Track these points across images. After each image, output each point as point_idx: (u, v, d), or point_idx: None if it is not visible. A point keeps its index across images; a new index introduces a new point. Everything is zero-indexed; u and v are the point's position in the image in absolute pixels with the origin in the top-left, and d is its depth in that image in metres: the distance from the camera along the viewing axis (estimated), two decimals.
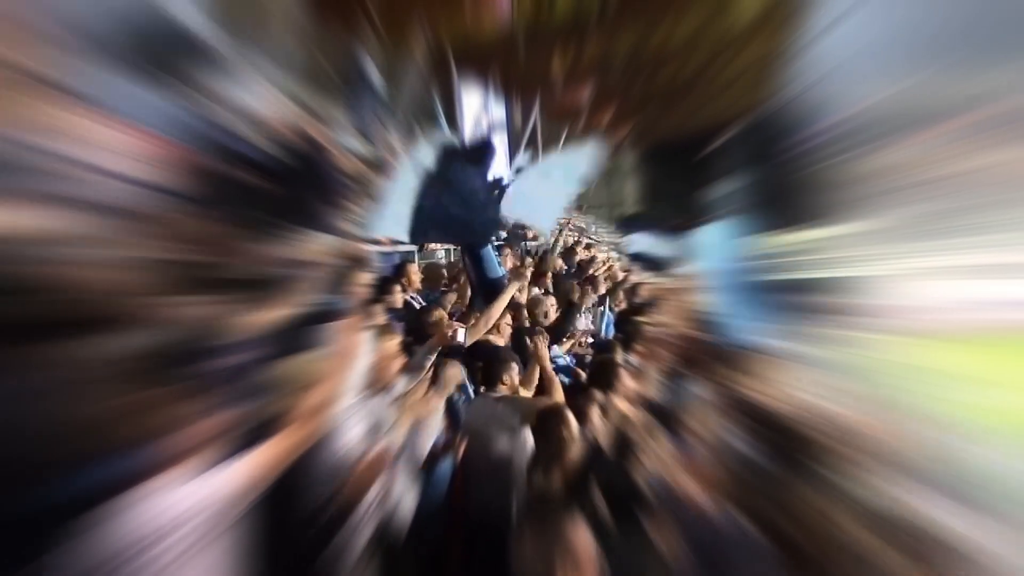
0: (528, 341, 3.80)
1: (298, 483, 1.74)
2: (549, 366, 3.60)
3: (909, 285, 1.72)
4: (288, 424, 1.62)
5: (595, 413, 3.31)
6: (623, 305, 7.03)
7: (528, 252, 7.30)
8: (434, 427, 3.19)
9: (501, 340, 4.20)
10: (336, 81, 2.23)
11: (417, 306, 4.45)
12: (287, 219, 1.74)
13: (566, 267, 7.36)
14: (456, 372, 3.33)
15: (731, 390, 2.27)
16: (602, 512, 2.30)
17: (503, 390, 3.38)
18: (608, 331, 6.16)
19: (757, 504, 1.65)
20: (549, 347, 4.14)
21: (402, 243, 5.03)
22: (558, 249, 7.62)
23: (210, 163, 1.42)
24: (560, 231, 8.17)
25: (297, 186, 1.80)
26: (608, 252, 8.29)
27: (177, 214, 1.31)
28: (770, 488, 1.65)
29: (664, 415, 2.92)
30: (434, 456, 3.09)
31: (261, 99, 1.67)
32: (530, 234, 8.07)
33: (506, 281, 4.83)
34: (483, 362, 3.63)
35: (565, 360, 4.79)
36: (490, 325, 4.13)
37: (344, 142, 2.19)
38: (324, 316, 1.88)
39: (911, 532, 1.35)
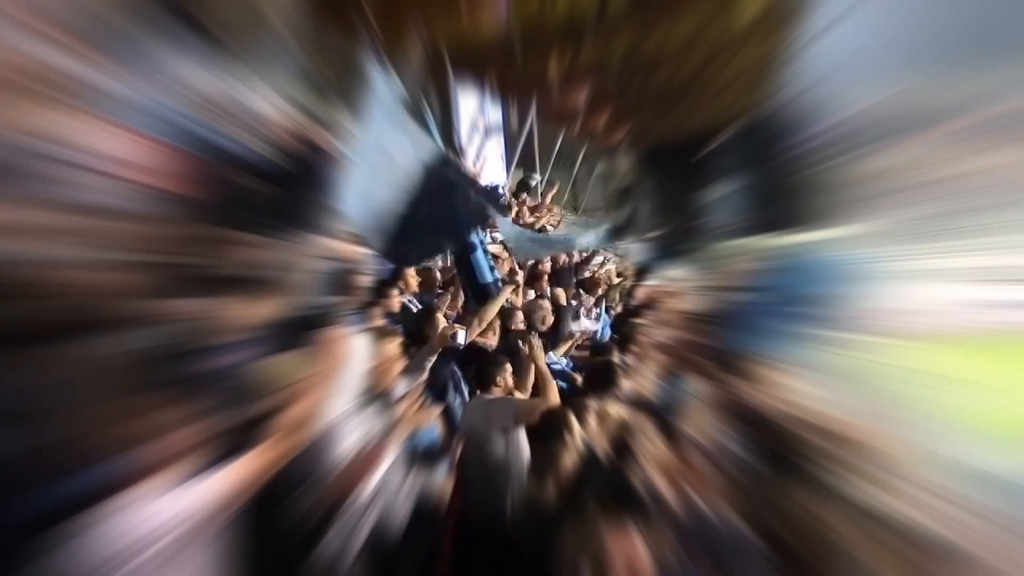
0: (521, 343, 3.79)
1: (288, 488, 1.74)
2: (544, 366, 3.60)
3: (905, 288, 1.73)
4: (274, 430, 1.61)
5: (592, 416, 3.31)
6: (620, 307, 7.03)
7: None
8: (430, 431, 3.19)
9: (492, 342, 4.20)
10: (333, 84, 2.23)
11: (414, 309, 4.45)
12: (283, 221, 1.74)
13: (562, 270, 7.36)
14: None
15: (727, 392, 2.27)
16: (599, 514, 2.30)
17: (497, 392, 3.38)
18: (604, 333, 6.16)
19: (752, 506, 1.65)
20: (545, 351, 4.14)
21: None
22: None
23: (206, 166, 1.42)
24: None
25: (294, 189, 1.80)
26: (605, 254, 8.28)
27: (172, 216, 1.30)
28: (765, 490, 1.65)
29: (661, 417, 2.92)
30: (430, 458, 3.08)
31: (258, 102, 1.66)
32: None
33: (499, 285, 4.84)
34: (476, 365, 3.63)
35: (562, 364, 4.79)
36: (483, 327, 4.14)
37: (340, 144, 2.19)
38: (315, 320, 1.87)
39: (904, 534, 1.35)
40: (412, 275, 4.80)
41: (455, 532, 3.00)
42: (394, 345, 2.95)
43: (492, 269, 4.92)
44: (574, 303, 5.65)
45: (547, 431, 2.93)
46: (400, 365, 2.97)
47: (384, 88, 2.99)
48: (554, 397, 3.34)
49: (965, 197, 1.48)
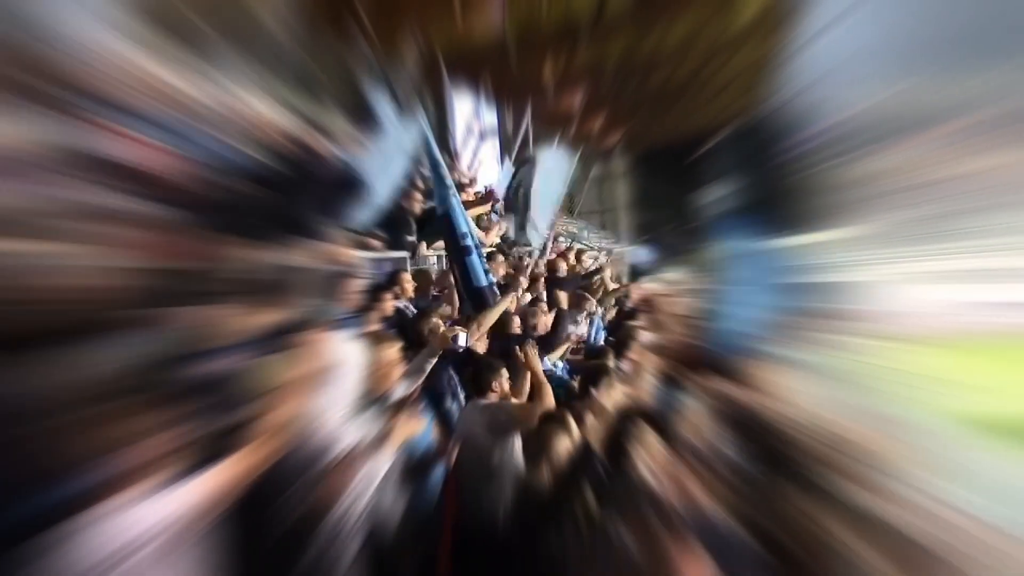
0: (518, 350, 3.78)
1: (276, 492, 1.73)
2: (540, 373, 3.59)
3: (900, 290, 1.73)
4: (258, 434, 1.60)
5: (588, 419, 3.30)
6: (615, 311, 7.02)
7: (519, 259, 7.28)
8: (426, 436, 3.18)
9: (482, 347, 4.19)
10: (330, 89, 2.22)
11: (410, 314, 4.44)
12: (279, 226, 1.73)
13: (558, 273, 7.34)
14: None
15: (722, 395, 2.27)
16: (595, 517, 2.30)
17: (493, 397, 3.37)
18: (599, 337, 6.15)
19: (749, 509, 1.64)
20: (541, 356, 4.12)
21: (393, 250, 5.03)
22: (547, 255, 7.62)
23: (203, 170, 1.41)
24: (551, 236, 8.17)
25: (290, 193, 1.80)
26: (600, 257, 8.29)
27: (168, 220, 1.30)
28: (761, 493, 1.64)
29: (657, 420, 2.92)
30: (426, 464, 3.08)
31: (254, 107, 1.66)
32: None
33: (495, 289, 4.83)
34: (472, 370, 3.62)
35: (558, 369, 4.78)
36: (483, 332, 4.13)
37: (338, 150, 2.18)
38: (304, 324, 1.86)
39: (899, 536, 1.35)
40: (408, 280, 4.78)
41: (453, 536, 2.99)
42: (390, 350, 2.94)
43: (487, 272, 4.91)
44: (575, 308, 5.62)
45: (542, 435, 2.92)
46: (397, 369, 2.96)
47: (380, 92, 2.99)
48: (549, 401, 3.32)
49: (960, 199, 1.48)
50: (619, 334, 5.45)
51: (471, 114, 9.94)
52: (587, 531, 2.24)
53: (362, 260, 3.83)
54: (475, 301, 4.69)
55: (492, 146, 10.77)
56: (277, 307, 1.68)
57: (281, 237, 1.75)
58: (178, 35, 1.42)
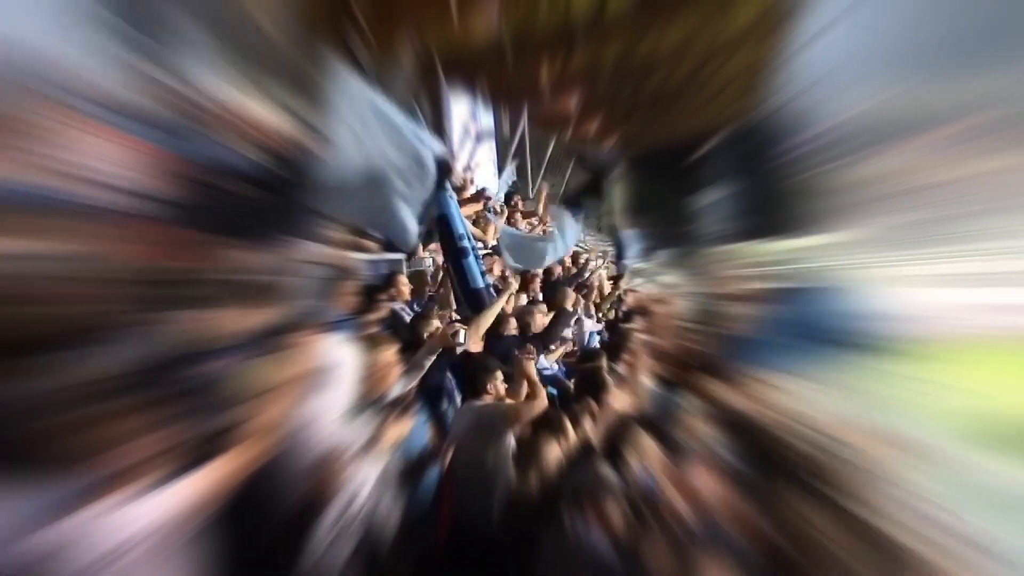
0: (513, 351, 3.77)
1: (267, 493, 1.72)
2: (535, 375, 3.58)
3: (895, 293, 1.73)
4: (247, 435, 1.60)
5: (583, 422, 3.30)
6: (611, 313, 7.01)
7: None
8: (421, 437, 3.18)
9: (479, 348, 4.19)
10: (325, 90, 2.22)
11: (406, 317, 4.42)
12: (272, 226, 1.73)
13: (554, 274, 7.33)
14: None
15: (717, 399, 2.27)
16: (587, 518, 2.30)
17: (488, 399, 3.37)
18: (594, 339, 6.14)
19: (744, 511, 1.64)
20: (537, 356, 4.12)
21: (389, 251, 5.00)
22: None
23: (196, 170, 1.41)
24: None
25: (283, 193, 1.79)
26: (596, 259, 8.27)
27: (161, 221, 1.30)
28: (757, 495, 1.64)
29: (651, 423, 2.92)
30: (421, 465, 3.07)
31: (249, 108, 1.66)
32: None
33: (492, 291, 4.82)
34: (467, 372, 3.62)
35: (553, 371, 4.77)
36: (481, 333, 4.12)
37: (332, 148, 2.18)
38: (296, 325, 1.86)
39: (894, 540, 1.35)
40: (404, 281, 4.76)
41: (448, 537, 2.99)
42: (386, 352, 2.93)
43: (483, 274, 4.90)
44: (572, 309, 5.61)
45: (536, 436, 2.92)
46: (392, 371, 2.95)
47: (374, 93, 2.99)
48: (543, 402, 3.32)
49: (957, 203, 1.49)
50: (615, 336, 5.46)
51: (467, 116, 9.93)
52: (578, 532, 2.25)
53: (357, 261, 3.83)
54: (472, 303, 4.68)
55: (489, 148, 10.77)
56: (271, 308, 1.68)
57: (275, 238, 1.75)
58: (173, 36, 1.42)
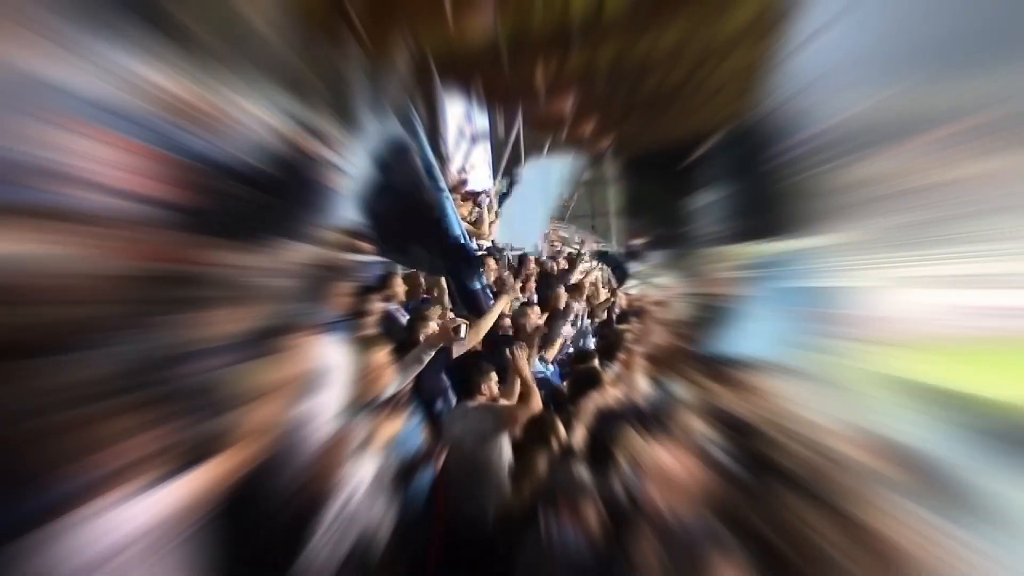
0: (507, 352, 3.78)
1: (261, 494, 1.72)
2: (529, 376, 3.58)
3: (889, 294, 1.74)
4: (241, 436, 1.59)
5: (578, 422, 3.31)
6: (605, 314, 7.03)
7: (509, 261, 7.29)
8: (415, 438, 3.18)
9: (478, 348, 4.19)
10: (321, 91, 2.22)
11: (402, 318, 4.42)
12: (268, 228, 1.73)
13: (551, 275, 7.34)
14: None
15: (710, 399, 2.28)
16: (581, 519, 2.30)
17: (482, 400, 3.38)
18: (588, 340, 6.15)
19: (737, 509, 1.65)
20: (532, 357, 4.13)
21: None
22: (541, 256, 7.62)
23: (192, 172, 1.41)
24: (542, 239, 8.19)
25: (279, 195, 1.79)
26: (591, 261, 8.29)
27: (155, 223, 1.29)
28: (750, 495, 1.65)
29: (645, 423, 2.92)
30: (415, 466, 3.08)
31: (245, 109, 1.66)
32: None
33: (488, 292, 4.82)
34: (462, 372, 3.63)
35: (547, 373, 4.78)
36: (480, 337, 4.12)
37: (328, 152, 2.18)
38: (290, 326, 1.86)
39: (885, 539, 1.35)
40: (399, 283, 4.76)
41: (442, 538, 2.99)
42: (380, 353, 2.93)
43: (481, 275, 4.91)
44: (570, 309, 5.62)
45: (530, 437, 2.92)
46: (387, 372, 2.95)
47: (371, 95, 2.99)
48: (536, 404, 3.32)
49: (950, 205, 1.49)
50: (609, 338, 5.47)
51: (462, 117, 9.94)
52: (557, 535, 2.25)
53: (352, 262, 3.82)
54: (468, 303, 4.69)
55: (484, 150, 10.79)
56: (265, 310, 1.68)
57: (270, 240, 1.74)
58: (167, 36, 1.42)
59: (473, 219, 6.90)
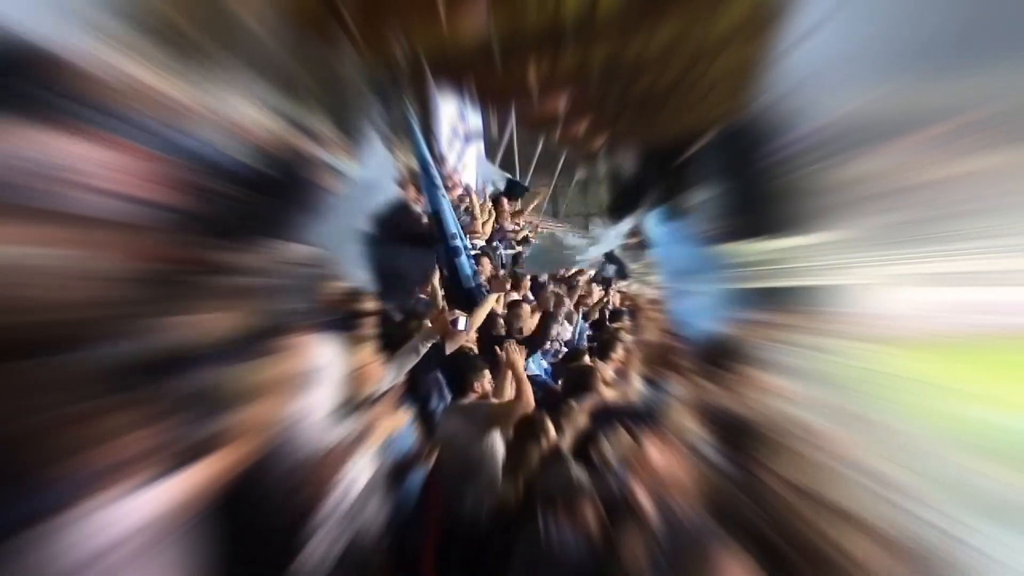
0: (499, 349, 3.78)
1: (257, 492, 1.72)
2: (522, 373, 3.59)
3: (882, 292, 1.74)
4: (237, 434, 1.60)
5: (571, 420, 3.32)
6: (597, 313, 7.03)
7: (503, 260, 7.29)
8: (408, 436, 3.18)
9: (473, 348, 4.20)
10: (314, 91, 2.22)
11: (396, 316, 4.42)
12: (260, 228, 1.72)
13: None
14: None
15: (704, 396, 2.28)
16: (573, 517, 2.31)
17: (475, 397, 3.39)
18: (582, 339, 6.16)
19: (731, 507, 1.65)
20: (526, 358, 4.14)
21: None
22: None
23: (184, 172, 1.40)
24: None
25: (272, 195, 1.79)
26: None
27: (148, 223, 1.29)
28: (743, 492, 1.65)
29: (639, 421, 2.93)
30: (408, 464, 3.08)
31: (237, 108, 1.65)
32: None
33: (483, 291, 4.83)
34: (454, 370, 3.64)
35: (541, 370, 4.79)
36: (474, 328, 4.13)
37: (321, 152, 2.18)
38: (285, 326, 1.86)
39: (881, 537, 1.36)
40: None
41: (436, 536, 2.99)
42: (376, 351, 2.94)
43: (475, 274, 4.92)
44: (562, 309, 5.62)
45: (523, 435, 2.93)
46: (380, 372, 2.96)
47: (365, 94, 2.98)
48: (529, 401, 3.32)
49: (943, 203, 1.50)
50: (602, 336, 5.48)
51: (456, 116, 9.96)
52: (564, 532, 2.25)
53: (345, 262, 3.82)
54: (464, 301, 4.69)
55: (477, 148, 10.81)
56: (260, 309, 1.68)
57: (264, 240, 1.74)
58: (159, 36, 1.41)
59: (468, 217, 6.91)
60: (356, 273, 3.47)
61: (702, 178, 2.89)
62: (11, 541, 1.03)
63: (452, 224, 4.75)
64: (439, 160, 7.88)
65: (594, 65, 2.30)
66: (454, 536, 2.97)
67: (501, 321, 4.83)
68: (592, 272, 8.08)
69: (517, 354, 3.63)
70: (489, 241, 7.60)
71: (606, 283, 8.00)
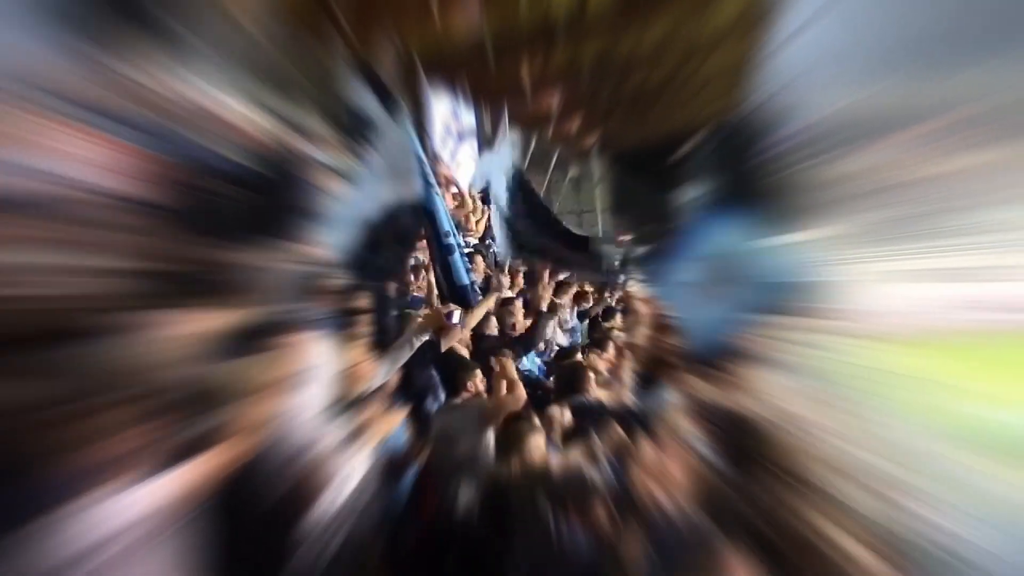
0: (492, 360, 3.77)
1: (252, 490, 1.72)
2: (515, 376, 3.58)
3: (875, 289, 1.75)
4: (234, 431, 1.59)
5: (563, 418, 3.32)
6: (591, 311, 7.03)
7: (496, 259, 7.27)
8: (401, 435, 3.18)
9: (464, 349, 4.19)
10: (308, 89, 2.21)
11: (392, 315, 4.41)
12: (254, 227, 1.72)
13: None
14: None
15: (698, 394, 2.29)
16: (567, 515, 2.31)
17: (467, 396, 3.39)
18: (576, 337, 6.16)
19: (727, 505, 1.65)
20: (519, 358, 4.14)
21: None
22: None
23: (176, 170, 1.40)
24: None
25: (265, 193, 1.78)
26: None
27: (140, 222, 1.29)
28: (740, 490, 1.66)
29: (631, 419, 2.93)
30: (402, 464, 3.08)
31: (229, 106, 1.65)
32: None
33: (476, 288, 4.83)
34: (447, 370, 3.63)
35: (534, 365, 4.79)
36: (467, 331, 4.13)
37: (314, 151, 2.17)
38: (280, 324, 1.85)
39: (879, 533, 1.36)
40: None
41: (429, 534, 2.99)
42: (370, 350, 2.94)
43: (469, 272, 4.91)
44: (556, 311, 5.60)
45: (515, 433, 2.93)
46: (374, 370, 2.95)
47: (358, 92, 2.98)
48: (520, 397, 3.32)
49: (935, 199, 1.50)
50: (595, 334, 5.48)
51: (449, 114, 9.96)
52: (557, 529, 2.26)
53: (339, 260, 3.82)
54: (457, 299, 4.68)
55: (471, 147, 10.81)
56: (254, 307, 1.67)
57: (258, 238, 1.74)
58: (149, 33, 1.41)
59: (461, 215, 6.90)
60: (352, 269, 3.46)
61: (695, 175, 2.90)
62: (5, 537, 1.03)
63: (446, 222, 4.73)
64: (433, 158, 7.86)
65: (586, 62, 2.31)
66: (448, 534, 2.97)
67: (493, 319, 4.83)
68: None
69: (510, 364, 3.63)
70: (483, 239, 7.59)
71: (604, 283, 7.99)
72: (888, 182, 1.62)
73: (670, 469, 1.97)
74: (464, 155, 10.54)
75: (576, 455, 2.76)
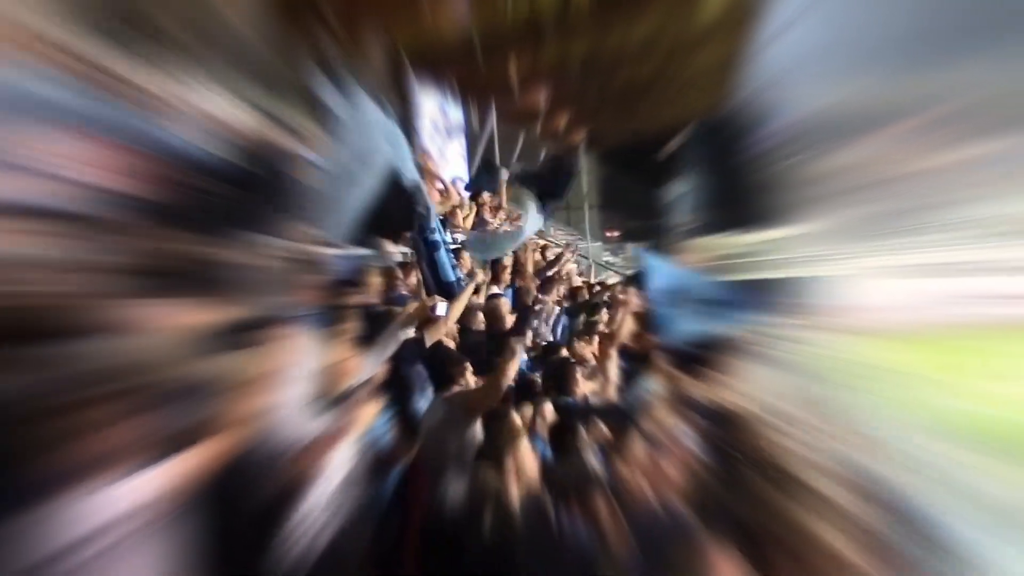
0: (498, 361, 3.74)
1: (241, 485, 1.72)
2: (510, 376, 3.57)
3: (859, 284, 1.76)
4: (221, 426, 1.59)
5: (549, 412, 3.33)
6: (577, 306, 7.03)
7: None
8: (385, 429, 3.18)
9: (451, 342, 4.19)
10: (294, 86, 2.21)
11: (376, 312, 4.40)
12: (241, 223, 1.72)
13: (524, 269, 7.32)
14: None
15: (683, 389, 2.30)
16: (554, 509, 2.32)
17: (456, 390, 3.39)
18: (561, 332, 6.16)
19: (711, 499, 1.67)
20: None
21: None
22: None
23: (163, 167, 1.40)
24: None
25: (252, 190, 1.78)
26: (564, 253, 8.28)
27: (129, 218, 1.29)
28: (721, 483, 1.67)
29: (617, 413, 2.94)
30: (390, 457, 3.07)
31: (216, 103, 1.65)
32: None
33: (463, 285, 4.83)
34: (436, 365, 3.63)
35: (520, 363, 4.79)
36: (450, 324, 4.13)
37: (299, 147, 2.17)
38: (267, 320, 1.85)
39: (862, 524, 1.37)
40: (374, 276, 4.74)
41: (419, 527, 2.99)
42: (356, 346, 2.93)
43: (455, 268, 4.91)
44: (540, 307, 5.59)
45: (501, 428, 2.93)
46: (360, 366, 2.95)
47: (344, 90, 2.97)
48: (506, 380, 3.30)
49: (919, 195, 1.52)
50: (580, 329, 5.49)
51: (437, 111, 9.94)
52: (543, 523, 2.26)
53: (327, 256, 3.81)
54: (444, 295, 4.68)
55: (459, 143, 10.80)
56: (239, 304, 1.67)
57: (244, 234, 1.74)
58: (137, 29, 1.41)
59: (447, 211, 6.89)
60: (338, 264, 3.45)
61: (682, 172, 2.91)
62: (5, 527, 1.03)
63: (432, 218, 4.72)
64: (419, 153, 7.83)
65: (574, 59, 2.31)
66: (436, 527, 2.97)
67: (480, 315, 4.83)
68: (572, 266, 8.08)
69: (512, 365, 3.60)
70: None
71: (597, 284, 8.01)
72: (872, 178, 1.64)
73: (655, 463, 1.98)
74: (451, 151, 10.53)
75: (565, 450, 2.77)
